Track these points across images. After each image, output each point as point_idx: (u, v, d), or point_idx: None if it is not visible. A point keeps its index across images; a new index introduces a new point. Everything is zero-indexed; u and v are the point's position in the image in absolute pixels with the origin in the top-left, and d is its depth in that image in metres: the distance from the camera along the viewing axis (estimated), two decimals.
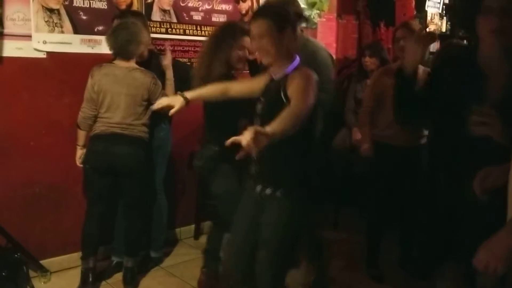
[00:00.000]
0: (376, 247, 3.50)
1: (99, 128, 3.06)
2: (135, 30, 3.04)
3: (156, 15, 3.65)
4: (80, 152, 3.15)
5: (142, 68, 3.11)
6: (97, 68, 3.06)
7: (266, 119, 1.98)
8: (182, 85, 3.30)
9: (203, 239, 3.90)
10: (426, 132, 3.32)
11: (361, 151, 3.43)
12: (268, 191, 2.16)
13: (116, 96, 3.02)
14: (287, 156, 2.13)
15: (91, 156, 3.07)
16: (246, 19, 4.09)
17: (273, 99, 2.12)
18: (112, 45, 3.04)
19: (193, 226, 4.07)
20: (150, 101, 3.06)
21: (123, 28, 3.02)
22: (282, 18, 2.11)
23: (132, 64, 3.09)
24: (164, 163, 3.51)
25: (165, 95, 3.13)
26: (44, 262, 3.29)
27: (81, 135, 3.13)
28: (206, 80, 2.63)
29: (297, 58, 2.16)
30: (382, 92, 3.22)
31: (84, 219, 3.15)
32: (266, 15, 2.10)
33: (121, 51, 3.03)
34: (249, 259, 2.24)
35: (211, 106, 2.79)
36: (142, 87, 3.06)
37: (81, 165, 3.16)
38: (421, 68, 3.23)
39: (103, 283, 3.29)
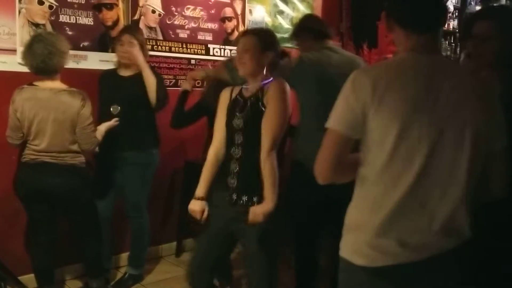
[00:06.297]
0: None
1: (28, 156, 2.80)
2: (53, 39, 2.73)
3: None
4: None
5: (71, 89, 2.81)
6: (17, 92, 2.76)
7: (249, 132, 2.24)
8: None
9: (184, 256, 3.90)
10: None
11: None
12: (255, 199, 2.24)
13: (42, 123, 2.72)
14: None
15: (20, 185, 2.83)
16: (232, 37, 4.15)
17: (253, 112, 2.26)
18: (31, 63, 2.70)
19: (174, 243, 4.05)
20: (75, 127, 2.77)
21: (39, 40, 2.70)
22: (268, 42, 2.34)
23: (58, 84, 2.79)
24: (150, 181, 3.43)
25: (91, 122, 2.83)
26: (22, 278, 3.24)
27: None
28: None
29: (271, 78, 2.32)
30: None
31: (30, 250, 3.00)
32: (255, 34, 2.35)
33: (44, 66, 2.69)
34: (211, 272, 2.45)
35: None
36: (70, 111, 2.75)
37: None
38: None
39: None
